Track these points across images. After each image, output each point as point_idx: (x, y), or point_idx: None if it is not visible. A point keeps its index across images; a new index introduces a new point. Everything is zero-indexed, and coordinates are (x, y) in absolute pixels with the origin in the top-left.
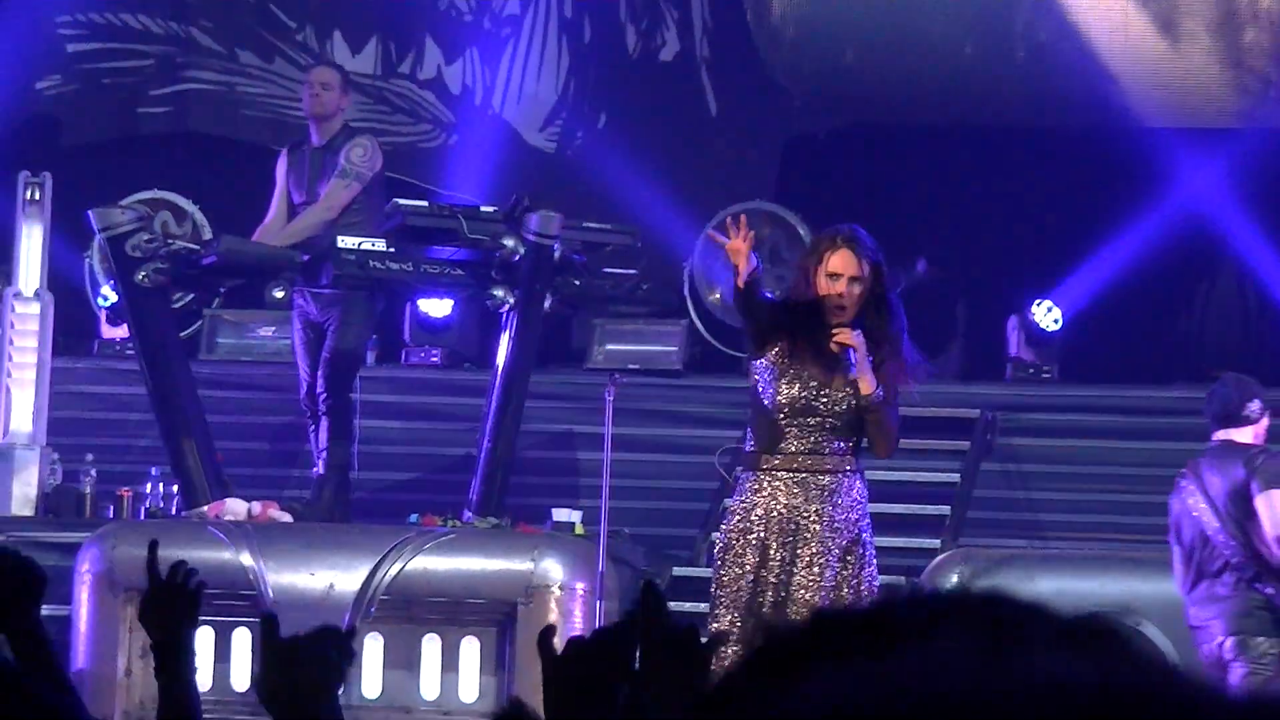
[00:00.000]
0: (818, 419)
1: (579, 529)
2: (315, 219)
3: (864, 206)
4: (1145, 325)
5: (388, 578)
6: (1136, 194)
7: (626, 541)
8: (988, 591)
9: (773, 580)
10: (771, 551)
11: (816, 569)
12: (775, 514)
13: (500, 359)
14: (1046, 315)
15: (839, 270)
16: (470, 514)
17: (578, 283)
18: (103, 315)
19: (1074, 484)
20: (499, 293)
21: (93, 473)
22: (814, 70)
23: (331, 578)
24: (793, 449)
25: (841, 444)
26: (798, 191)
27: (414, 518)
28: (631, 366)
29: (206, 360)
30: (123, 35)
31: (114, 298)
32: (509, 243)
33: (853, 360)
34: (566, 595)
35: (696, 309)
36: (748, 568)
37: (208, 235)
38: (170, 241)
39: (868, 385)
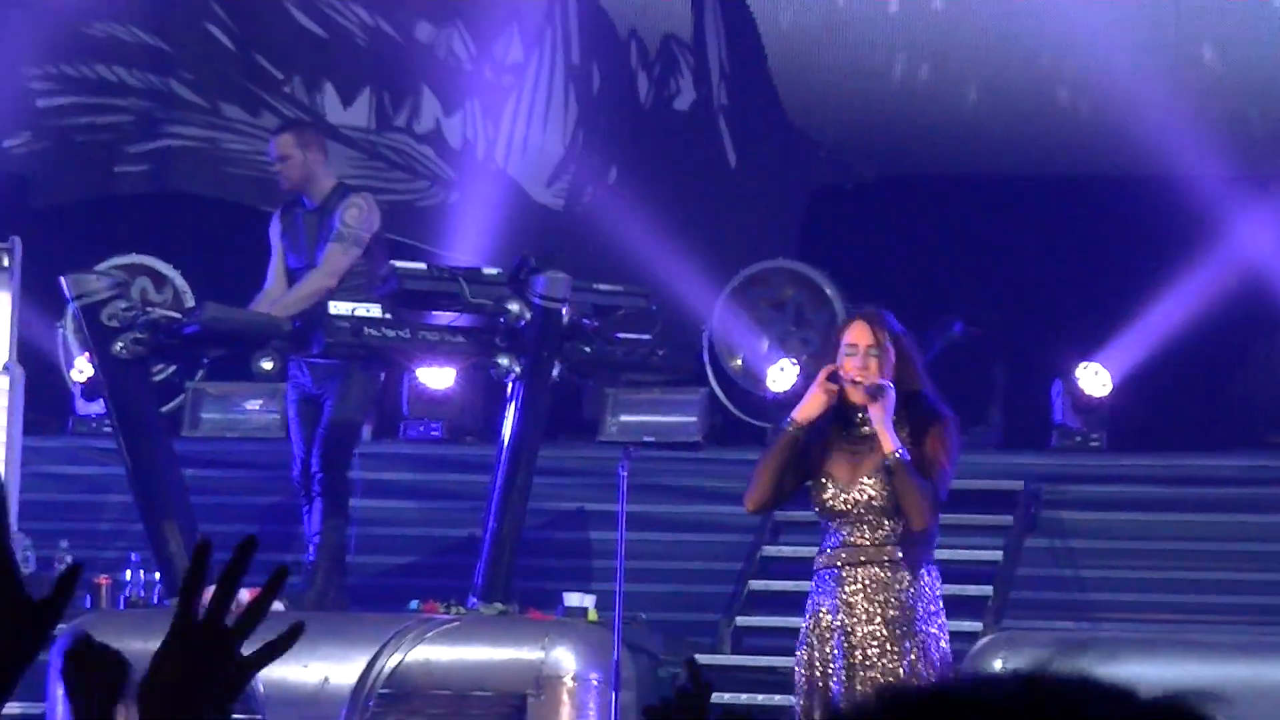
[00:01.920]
0: (855, 515)
1: (592, 615)
2: (315, 286)
3: (895, 264)
4: (1200, 389)
5: (387, 670)
6: (1189, 247)
7: (644, 628)
8: (1061, 672)
9: (830, 676)
10: (827, 650)
11: (871, 664)
12: (824, 612)
13: (506, 432)
14: (1094, 379)
15: (855, 341)
16: (475, 600)
17: (588, 349)
18: (77, 390)
19: (1126, 561)
20: (504, 361)
21: (68, 559)
22: (841, 118)
23: (326, 670)
24: (833, 544)
25: (883, 535)
26: (824, 248)
27: (414, 604)
28: (647, 439)
29: (190, 437)
30: (98, 89)
31: (89, 370)
32: (514, 307)
33: (872, 404)
34: (580, 686)
35: (717, 376)
36: (804, 669)
37: (189, 302)
38: (149, 309)
39: (888, 444)
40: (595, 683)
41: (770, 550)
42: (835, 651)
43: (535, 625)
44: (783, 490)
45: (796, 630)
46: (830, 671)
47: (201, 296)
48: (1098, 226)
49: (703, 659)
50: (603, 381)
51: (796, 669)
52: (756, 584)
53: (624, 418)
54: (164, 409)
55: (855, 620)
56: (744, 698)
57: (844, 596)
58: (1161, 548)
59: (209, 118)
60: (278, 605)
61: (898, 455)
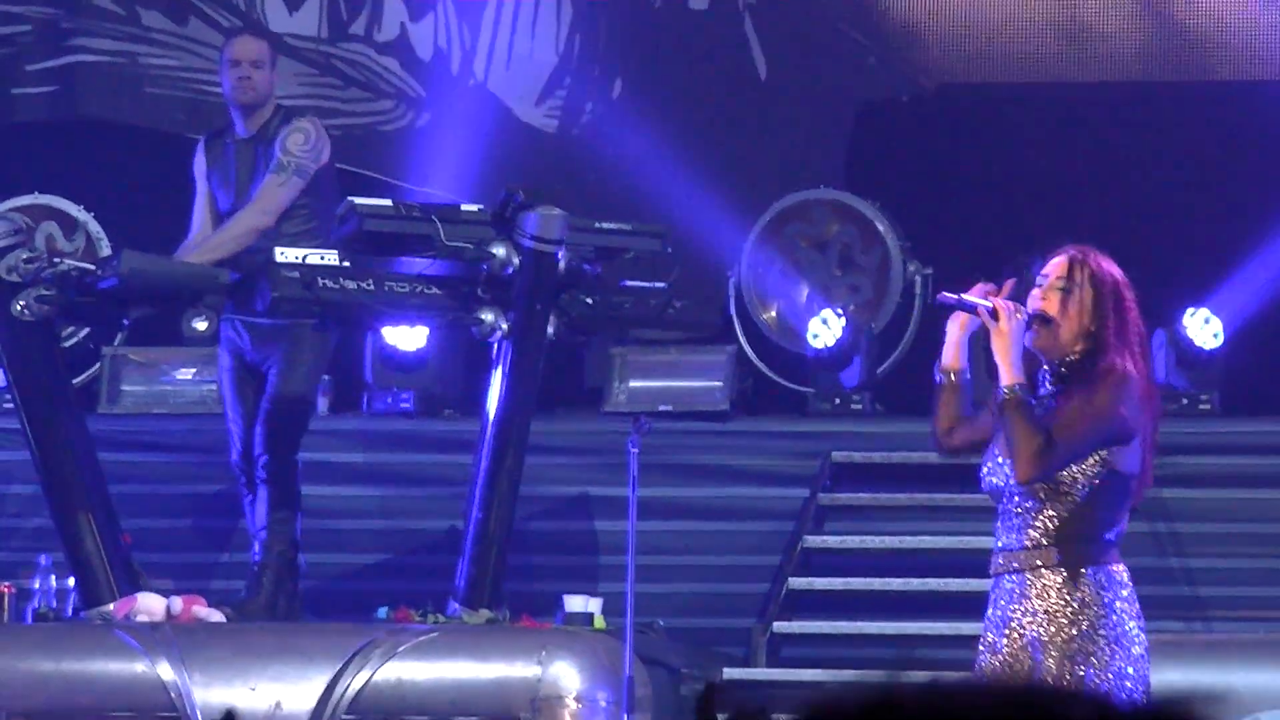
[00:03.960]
0: (1009, 498)
1: (599, 622)
2: (246, 227)
3: (960, 194)
4: None
5: (350, 691)
6: None
7: (661, 637)
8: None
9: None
10: (993, 661)
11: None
12: (988, 622)
13: (491, 403)
14: (1203, 328)
15: (1048, 272)
16: (457, 605)
17: (590, 301)
18: None
19: (1243, 548)
20: (487, 316)
21: None
22: (895, 15)
23: (278, 693)
24: (998, 545)
25: (1038, 533)
26: (874, 175)
27: (383, 612)
28: (663, 408)
29: (108, 414)
30: None
31: None
32: (499, 251)
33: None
34: (585, 708)
35: (746, 332)
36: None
37: (106, 251)
38: (57, 260)
39: (1005, 374)
40: (604, 704)
41: (813, 541)
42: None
43: (530, 635)
44: (967, 424)
45: (845, 637)
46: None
47: (119, 245)
48: (1205, 145)
49: (732, 673)
50: (608, 340)
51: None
52: (797, 582)
53: (634, 384)
54: (76, 381)
55: (1011, 639)
56: (783, 719)
57: (998, 613)
58: None
59: (125, 27)
60: (218, 616)
61: (1014, 388)
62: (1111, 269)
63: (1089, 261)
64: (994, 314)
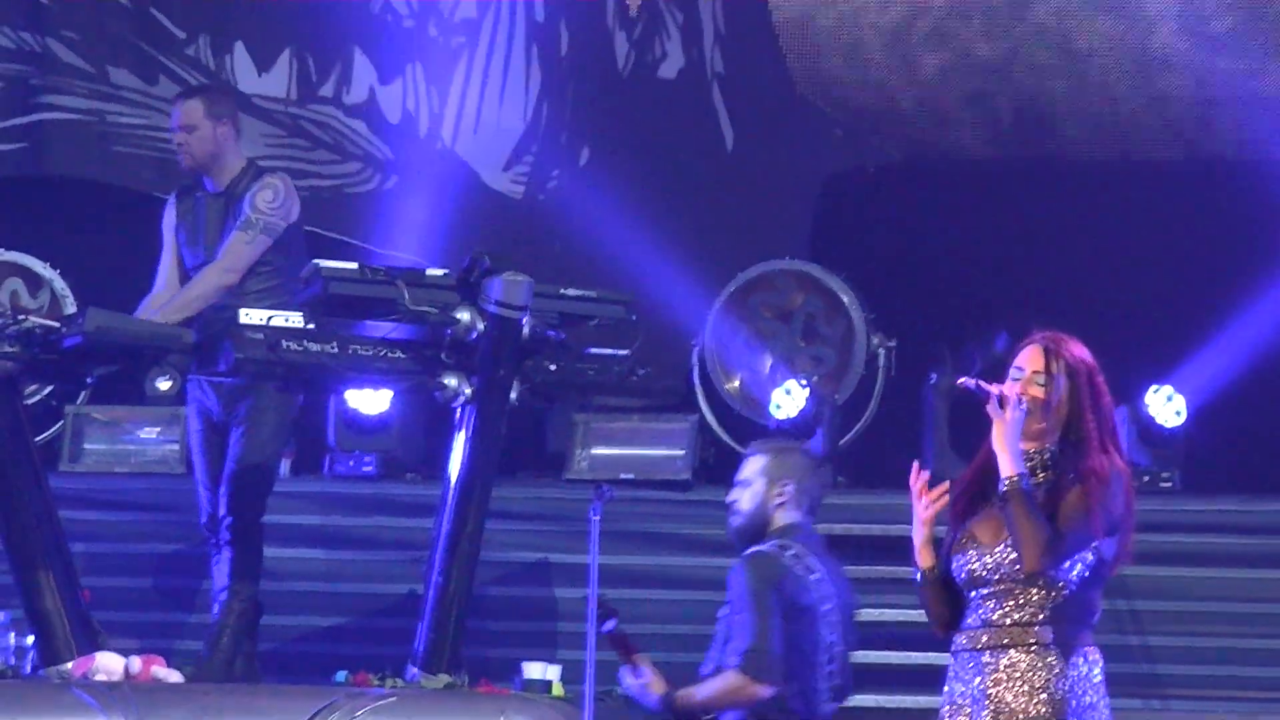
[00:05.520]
0: (998, 584)
1: (557, 689)
2: (211, 285)
3: (926, 266)
4: None
5: None
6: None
7: (620, 705)
8: None
9: None
10: None
11: None
12: (962, 702)
13: (453, 467)
14: (1165, 406)
15: (1022, 364)
16: (416, 670)
17: (554, 367)
18: None
19: (1204, 626)
20: (451, 381)
21: None
22: (860, 88)
23: None
24: (976, 622)
25: (1031, 612)
26: (839, 246)
27: (342, 676)
28: (625, 476)
29: (70, 472)
30: None
31: None
32: (464, 316)
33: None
34: None
35: (709, 401)
36: None
37: (70, 309)
38: (21, 317)
39: (1006, 466)
40: None
41: None
42: None
43: (489, 701)
44: (963, 603)
45: None
46: None
47: (85, 302)
48: (1172, 223)
49: None
50: (571, 407)
51: None
52: None
53: (596, 451)
54: (39, 438)
55: (997, 716)
56: None
57: (984, 687)
58: (1246, 611)
59: (95, 85)
60: (177, 676)
61: (1015, 479)
62: (1083, 354)
63: (1062, 351)
64: (1001, 404)
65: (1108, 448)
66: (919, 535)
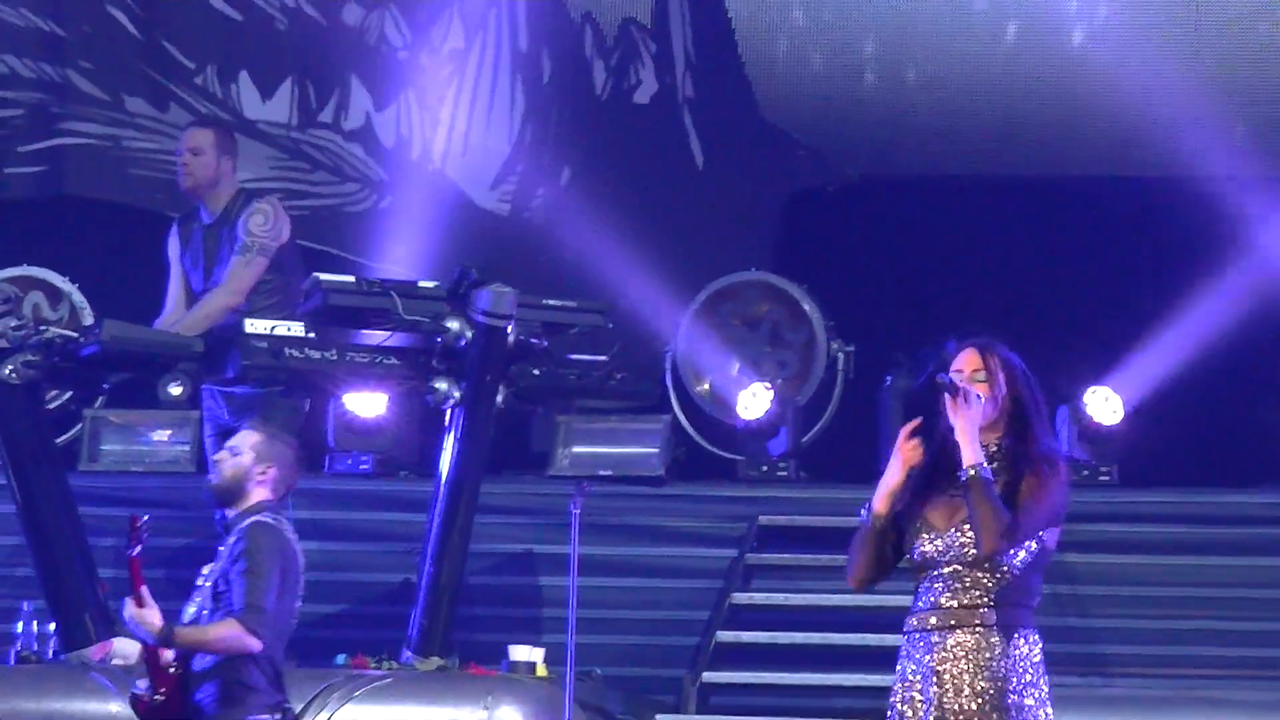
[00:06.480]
0: (948, 566)
1: (541, 670)
2: (218, 305)
3: (882, 277)
4: (1222, 417)
5: None
6: (1210, 259)
7: (599, 684)
8: None
9: None
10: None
11: None
12: (914, 679)
13: (444, 465)
14: (1104, 405)
15: (960, 367)
16: (410, 653)
17: (537, 373)
18: None
19: (1141, 609)
20: (442, 385)
21: None
22: (821, 112)
23: None
24: (925, 604)
25: (977, 595)
26: (801, 259)
27: (341, 659)
28: (603, 473)
29: (88, 471)
30: None
31: None
32: (453, 325)
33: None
34: None
35: (681, 403)
36: None
37: (88, 320)
38: (43, 328)
39: (967, 456)
40: None
41: (741, 598)
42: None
43: (477, 682)
44: (886, 566)
45: (769, 687)
46: None
47: (101, 314)
48: (1108, 236)
49: (664, 719)
50: (554, 409)
51: None
52: (725, 635)
53: (577, 449)
54: (59, 440)
55: (944, 691)
56: None
57: (933, 664)
58: (1179, 594)
59: (110, 113)
60: None
61: (976, 470)
62: (1011, 355)
63: (995, 350)
64: (966, 399)
65: (1051, 436)
66: (890, 479)
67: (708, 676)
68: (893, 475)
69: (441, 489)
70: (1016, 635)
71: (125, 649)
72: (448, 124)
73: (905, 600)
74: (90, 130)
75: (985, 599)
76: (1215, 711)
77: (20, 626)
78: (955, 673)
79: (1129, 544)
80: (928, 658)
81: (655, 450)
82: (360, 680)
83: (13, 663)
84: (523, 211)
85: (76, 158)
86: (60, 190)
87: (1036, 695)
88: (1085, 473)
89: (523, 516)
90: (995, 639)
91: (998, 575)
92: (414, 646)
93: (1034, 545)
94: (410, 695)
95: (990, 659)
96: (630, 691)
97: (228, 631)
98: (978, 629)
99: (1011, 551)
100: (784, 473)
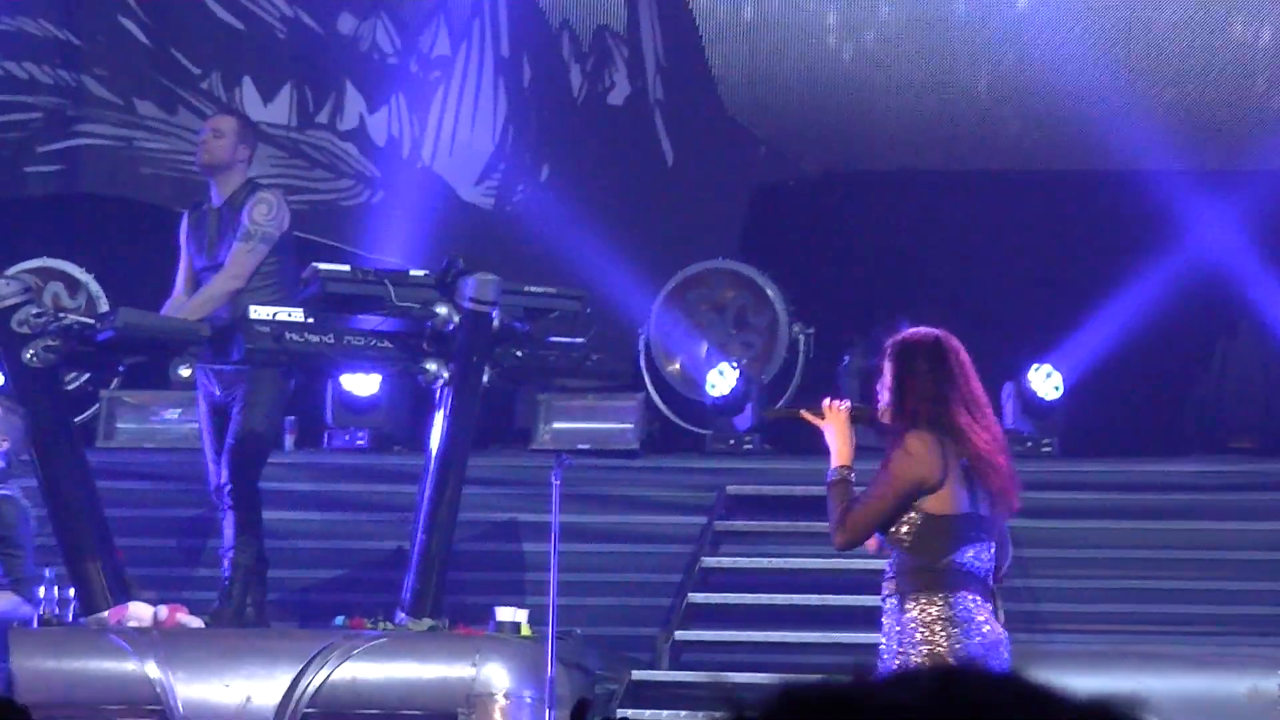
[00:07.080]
0: (888, 547)
1: (525, 629)
2: (220, 289)
3: (839, 264)
4: (1155, 391)
5: (312, 688)
6: (1144, 245)
7: (579, 643)
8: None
9: None
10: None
11: None
12: (887, 633)
13: (434, 441)
14: (1045, 382)
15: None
16: (403, 615)
17: (520, 354)
18: None
19: (1079, 570)
20: (431, 366)
21: None
22: (782, 112)
23: (249, 689)
24: (885, 573)
25: (889, 564)
26: (765, 248)
27: (340, 620)
28: (581, 447)
29: (104, 447)
30: (6, 86)
31: None
32: (442, 310)
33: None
34: (513, 704)
35: (654, 382)
36: None
37: (104, 308)
38: (62, 315)
39: (832, 459)
40: (529, 700)
41: (710, 562)
42: None
43: (466, 641)
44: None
45: (737, 644)
46: None
47: (116, 302)
48: (1049, 223)
49: (639, 675)
50: (535, 388)
51: None
52: (696, 597)
53: (557, 425)
54: (77, 419)
55: (902, 645)
56: (683, 715)
57: (893, 625)
58: (1116, 556)
59: (123, 115)
60: (198, 622)
61: (838, 470)
62: (916, 338)
63: (893, 345)
64: (820, 414)
65: (905, 418)
66: (836, 437)
67: (679, 635)
68: (837, 432)
69: (432, 462)
70: (907, 601)
71: (139, 612)
72: (435, 125)
73: (861, 564)
74: (104, 132)
75: (890, 572)
76: (1149, 665)
77: (42, 592)
78: (908, 631)
79: (1069, 510)
80: (890, 620)
81: (630, 425)
82: (358, 640)
83: (36, 625)
84: (505, 205)
85: (91, 157)
86: (76, 188)
87: (922, 655)
88: (1029, 444)
89: (507, 488)
90: (893, 602)
91: (897, 550)
92: (407, 609)
93: (914, 517)
94: (404, 654)
95: (893, 625)
96: (608, 649)
97: None
98: (889, 599)
99: (893, 529)
100: (749, 446)
